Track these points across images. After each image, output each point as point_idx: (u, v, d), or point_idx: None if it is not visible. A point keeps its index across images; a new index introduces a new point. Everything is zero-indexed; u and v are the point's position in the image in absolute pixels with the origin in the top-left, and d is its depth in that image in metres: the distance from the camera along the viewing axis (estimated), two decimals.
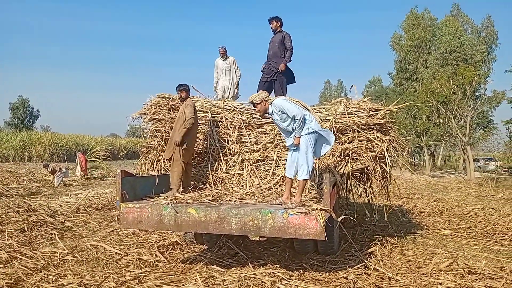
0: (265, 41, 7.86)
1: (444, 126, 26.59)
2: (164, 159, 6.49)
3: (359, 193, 6.89)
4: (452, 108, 24.61)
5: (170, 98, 7.03)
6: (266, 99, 4.95)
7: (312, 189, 5.82)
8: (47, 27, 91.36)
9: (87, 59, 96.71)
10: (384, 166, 6.17)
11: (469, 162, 24.66)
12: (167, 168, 6.49)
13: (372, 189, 6.53)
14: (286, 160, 6.42)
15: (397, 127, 7.26)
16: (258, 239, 4.43)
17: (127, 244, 6.10)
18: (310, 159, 4.74)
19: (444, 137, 28.24)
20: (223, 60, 8.66)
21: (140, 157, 7.00)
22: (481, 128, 30.54)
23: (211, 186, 6.10)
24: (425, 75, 33.05)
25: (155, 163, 6.78)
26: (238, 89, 8.76)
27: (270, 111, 4.93)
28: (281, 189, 6.06)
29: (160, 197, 5.19)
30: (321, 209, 4.22)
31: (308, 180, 5.07)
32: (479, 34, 36.43)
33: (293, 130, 4.84)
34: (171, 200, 4.84)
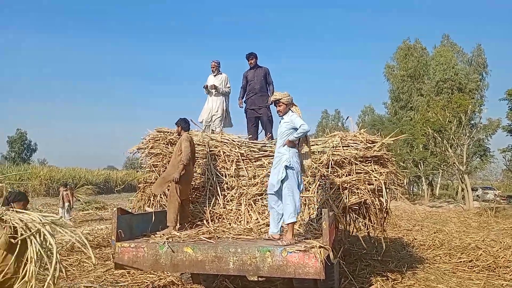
0: None
1: (441, 155, 26.66)
2: (152, 193, 6.41)
3: (358, 227, 6.81)
4: (448, 136, 24.76)
5: (168, 132, 7.04)
6: (291, 104, 4.93)
7: (312, 224, 5.74)
8: (45, 60, 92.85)
9: (85, 91, 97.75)
10: (382, 199, 6.12)
11: (467, 191, 24.58)
12: (164, 204, 6.42)
13: (371, 223, 6.45)
14: None
15: (395, 159, 7.27)
16: (256, 279, 4.32)
17: (122, 285, 5.93)
18: (297, 199, 4.67)
19: (442, 166, 28.26)
20: (214, 76, 7.93)
21: (137, 192, 6.94)
22: (478, 157, 30.61)
23: (208, 223, 6.00)
24: (420, 104, 33.44)
25: (152, 198, 6.71)
26: (228, 112, 7.97)
27: (285, 115, 4.90)
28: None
29: (156, 235, 5.10)
30: (320, 247, 4.15)
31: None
32: (470, 62, 37.15)
33: (283, 145, 4.82)
34: (167, 238, 4.76)
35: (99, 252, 8.61)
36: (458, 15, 72.00)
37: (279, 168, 4.71)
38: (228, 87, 7.99)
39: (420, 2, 78.80)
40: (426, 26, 73.77)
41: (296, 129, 4.73)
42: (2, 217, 3.76)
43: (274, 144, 6.78)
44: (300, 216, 6.04)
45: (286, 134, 4.80)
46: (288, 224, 4.63)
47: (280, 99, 4.85)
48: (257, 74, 7.68)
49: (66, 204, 14.00)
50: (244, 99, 7.89)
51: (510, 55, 67.23)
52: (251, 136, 7.32)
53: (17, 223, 3.63)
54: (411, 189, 39.06)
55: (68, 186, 14.77)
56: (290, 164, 4.68)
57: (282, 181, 4.67)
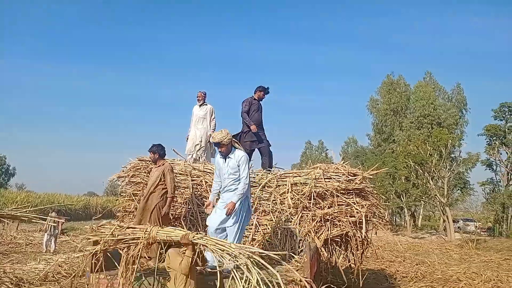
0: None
1: (423, 187, 27.04)
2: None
3: (340, 259, 6.76)
4: (429, 169, 25.20)
5: (149, 161, 6.97)
6: (232, 140, 4.90)
7: (293, 256, 5.68)
8: (24, 84, 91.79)
9: (65, 117, 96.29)
10: (363, 231, 6.11)
11: (449, 223, 24.85)
12: None
13: (353, 255, 6.41)
14: (266, 225, 6.35)
15: (377, 191, 7.30)
16: None
17: None
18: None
19: (423, 198, 28.60)
20: (199, 106, 7.93)
21: (115, 221, 6.77)
22: (458, 189, 31.10)
23: None
24: (401, 138, 34.13)
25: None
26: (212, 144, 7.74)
27: (230, 154, 4.84)
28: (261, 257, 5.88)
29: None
30: (301, 280, 4.09)
31: None
32: (450, 99, 38.34)
33: (226, 189, 4.86)
34: (144, 270, 4.63)
35: (74, 281, 8.29)
36: (440, 54, 74.77)
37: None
38: (214, 118, 7.96)
39: (403, 40, 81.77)
40: (410, 63, 76.49)
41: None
42: (194, 241, 3.90)
43: (257, 175, 6.78)
44: (282, 248, 6.00)
45: (234, 178, 4.83)
46: None
47: (220, 141, 4.75)
48: (261, 109, 7.56)
49: (56, 231, 13.54)
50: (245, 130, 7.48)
51: (488, 92, 69.75)
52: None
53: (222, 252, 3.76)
54: (394, 220, 39.18)
55: (59, 213, 14.45)
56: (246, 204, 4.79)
57: (238, 219, 4.77)
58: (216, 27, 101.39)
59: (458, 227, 29.58)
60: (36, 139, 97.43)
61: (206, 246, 3.91)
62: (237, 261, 3.68)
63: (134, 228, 4.29)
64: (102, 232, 4.30)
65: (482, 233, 27.20)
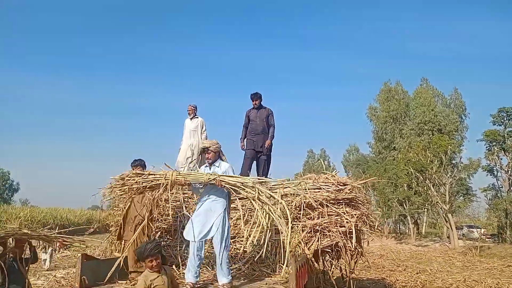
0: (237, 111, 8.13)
1: (425, 194, 26.88)
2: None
3: (332, 269, 6.75)
4: (430, 176, 25.08)
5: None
6: (220, 152, 5.05)
7: (283, 268, 5.67)
8: (29, 98, 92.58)
9: (68, 129, 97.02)
10: (354, 241, 6.10)
11: (452, 230, 24.64)
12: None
13: (344, 265, 6.41)
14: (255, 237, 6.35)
15: (377, 199, 7.30)
16: None
17: None
18: (228, 255, 4.91)
19: (426, 205, 28.41)
20: (191, 120, 8.04)
21: (108, 236, 6.82)
22: (461, 195, 30.86)
23: (178, 268, 5.89)
24: (402, 145, 34.03)
25: (123, 242, 6.57)
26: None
27: (216, 163, 4.97)
28: (252, 269, 5.90)
29: (121, 282, 4.98)
30: None
31: None
32: (448, 105, 38.26)
33: (207, 197, 4.90)
34: (132, 284, 4.65)
35: None
36: (436, 59, 74.90)
37: (219, 214, 4.81)
38: (204, 130, 8.06)
39: (400, 46, 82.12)
40: (406, 70, 76.71)
41: None
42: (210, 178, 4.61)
43: None
44: (273, 259, 6.01)
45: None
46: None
47: (209, 147, 4.90)
48: (259, 114, 7.61)
49: (50, 249, 13.43)
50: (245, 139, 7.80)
51: (487, 96, 69.61)
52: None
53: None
54: (398, 228, 38.92)
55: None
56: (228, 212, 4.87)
57: (224, 228, 4.81)
58: (207, 34, 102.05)
59: (462, 234, 29.32)
60: (40, 153, 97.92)
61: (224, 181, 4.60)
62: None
63: (155, 173, 4.91)
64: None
65: (487, 239, 26.94)
